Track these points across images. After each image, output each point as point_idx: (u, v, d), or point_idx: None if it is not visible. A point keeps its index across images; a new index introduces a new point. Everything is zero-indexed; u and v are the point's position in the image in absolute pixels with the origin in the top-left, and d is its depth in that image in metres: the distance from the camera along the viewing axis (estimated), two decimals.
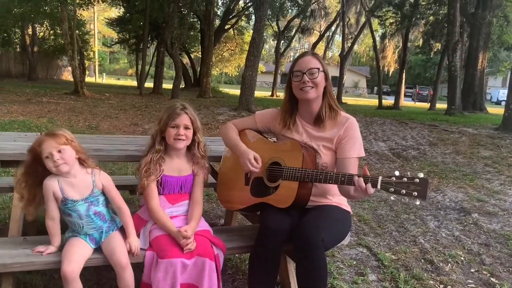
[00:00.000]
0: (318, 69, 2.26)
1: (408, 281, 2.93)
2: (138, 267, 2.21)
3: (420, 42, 26.93)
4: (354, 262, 3.22)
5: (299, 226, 2.10)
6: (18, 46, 30.01)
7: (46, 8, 18.43)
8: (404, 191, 1.90)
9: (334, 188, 2.30)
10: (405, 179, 1.91)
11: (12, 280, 2.08)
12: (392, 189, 1.92)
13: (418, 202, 1.90)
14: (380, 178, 1.97)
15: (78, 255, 2.02)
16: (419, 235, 3.89)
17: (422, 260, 3.33)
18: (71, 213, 2.09)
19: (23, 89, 17.61)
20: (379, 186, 1.96)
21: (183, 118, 2.25)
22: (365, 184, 1.97)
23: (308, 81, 2.24)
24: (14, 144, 2.57)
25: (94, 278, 2.63)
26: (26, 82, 23.87)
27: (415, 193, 1.88)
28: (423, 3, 21.11)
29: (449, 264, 3.27)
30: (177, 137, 2.23)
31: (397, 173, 1.95)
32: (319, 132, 2.33)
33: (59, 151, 2.01)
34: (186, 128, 2.25)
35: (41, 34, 29.01)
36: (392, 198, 1.98)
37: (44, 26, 26.88)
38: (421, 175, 1.89)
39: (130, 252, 2.09)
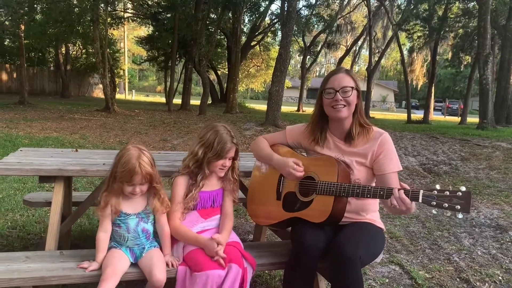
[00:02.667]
0: (352, 87, 2.23)
1: None
2: (168, 282, 2.23)
3: (449, 55, 26.51)
4: (387, 280, 3.15)
5: (336, 242, 2.07)
6: (52, 65, 31.13)
7: (79, 28, 19.06)
8: (446, 205, 1.87)
9: (368, 204, 2.28)
10: (447, 193, 1.88)
11: None
12: (434, 203, 1.89)
13: (460, 216, 1.86)
14: (421, 191, 1.94)
15: (118, 268, 2.05)
16: (453, 253, 3.77)
17: (458, 279, 3.23)
18: (121, 224, 2.16)
19: (56, 106, 18.19)
20: (420, 200, 1.93)
21: (232, 151, 2.30)
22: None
23: (341, 100, 2.22)
24: (51, 160, 2.65)
25: None
26: (59, 100, 24.65)
27: (458, 206, 1.85)
28: (452, 16, 20.84)
29: (486, 284, 3.16)
30: (223, 168, 2.31)
31: (438, 186, 1.92)
32: (351, 148, 2.31)
33: (141, 184, 2.12)
34: (231, 158, 2.32)
35: (74, 53, 30.01)
36: (434, 211, 1.94)
37: (77, 45, 27.80)
38: (463, 188, 1.87)
39: (170, 267, 2.13)
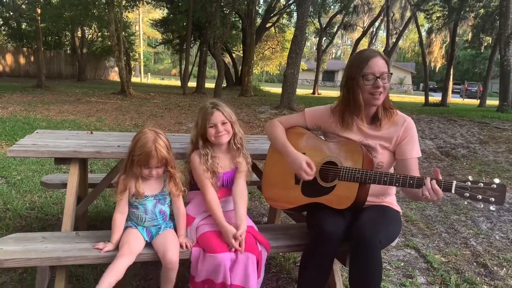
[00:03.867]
0: (389, 74, 2.18)
1: (459, 285, 2.81)
2: (183, 264, 2.24)
3: (469, 36, 25.84)
4: (402, 264, 3.13)
5: (356, 227, 2.04)
6: (68, 48, 31.36)
7: (94, 11, 19.10)
8: (480, 197, 1.85)
9: (387, 188, 2.25)
10: (481, 184, 1.86)
11: (65, 272, 2.16)
12: (467, 194, 1.87)
13: (493, 208, 1.84)
14: (454, 182, 1.91)
15: (134, 247, 2.08)
16: (470, 237, 3.72)
17: (475, 264, 3.19)
18: (139, 206, 2.18)
19: (73, 90, 18.38)
20: (453, 191, 1.90)
21: (217, 115, 2.29)
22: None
23: (381, 86, 2.15)
24: (67, 142, 2.67)
25: (141, 273, 2.69)
26: (76, 83, 24.92)
27: (492, 199, 1.83)
28: None
29: (504, 269, 3.11)
30: (218, 134, 2.28)
31: (471, 177, 1.91)
32: (375, 131, 2.26)
33: (157, 167, 2.13)
34: (223, 123, 2.29)
35: (90, 36, 30.19)
36: (465, 203, 1.93)
37: (93, 29, 27.96)
38: (497, 180, 1.85)
39: (184, 248, 2.14)
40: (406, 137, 2.22)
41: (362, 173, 2.07)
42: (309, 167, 2.21)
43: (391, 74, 2.21)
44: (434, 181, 1.93)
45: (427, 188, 1.93)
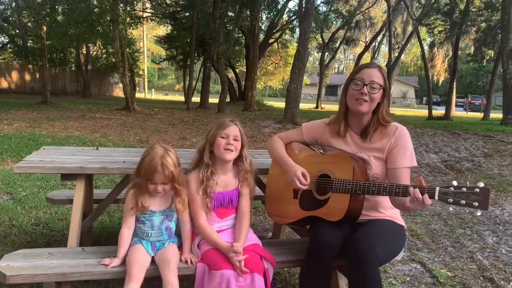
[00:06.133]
0: (380, 86, 2.20)
1: None
2: (188, 280, 2.24)
3: (472, 49, 25.94)
4: (408, 279, 3.11)
5: (352, 241, 2.04)
6: (73, 65, 31.68)
7: (99, 28, 19.34)
8: (464, 202, 1.82)
9: (386, 201, 2.24)
10: (464, 189, 1.83)
11: None
12: (451, 200, 1.84)
13: (479, 213, 1.82)
14: (437, 188, 1.89)
15: (142, 264, 2.08)
16: (476, 251, 3.70)
17: (481, 278, 3.16)
18: (146, 221, 2.20)
19: (77, 106, 18.52)
20: (436, 197, 1.88)
21: (233, 128, 2.28)
22: (422, 195, 1.90)
23: (366, 94, 2.18)
24: (73, 158, 2.70)
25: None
26: (81, 99, 25.11)
27: (476, 203, 1.80)
28: (474, 9, 20.35)
29: (511, 283, 3.08)
30: (227, 147, 2.25)
31: (455, 183, 1.87)
32: (368, 143, 2.28)
33: (163, 183, 2.14)
34: (235, 139, 2.28)
35: (94, 53, 30.50)
36: (450, 209, 1.90)
37: (97, 46, 28.22)
38: (481, 184, 1.81)
39: (189, 264, 2.15)
40: (397, 146, 2.21)
41: (352, 184, 2.09)
42: (304, 177, 2.23)
43: (382, 87, 2.20)
44: (417, 189, 1.91)
45: (411, 196, 1.93)
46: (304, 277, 2.20)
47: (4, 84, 26.33)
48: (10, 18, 28.01)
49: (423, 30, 26.25)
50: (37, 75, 27.28)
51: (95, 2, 17.69)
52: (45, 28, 18.00)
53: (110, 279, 2.06)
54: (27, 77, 27.68)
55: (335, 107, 30.65)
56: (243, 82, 28.58)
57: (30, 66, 28.15)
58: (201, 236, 2.26)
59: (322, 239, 2.09)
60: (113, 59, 23.27)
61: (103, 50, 29.20)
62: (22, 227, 3.68)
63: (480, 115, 25.01)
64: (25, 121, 11.73)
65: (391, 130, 2.26)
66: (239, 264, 2.05)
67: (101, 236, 3.60)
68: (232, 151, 2.26)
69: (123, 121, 13.25)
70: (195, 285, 2.13)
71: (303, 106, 20.20)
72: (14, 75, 26.99)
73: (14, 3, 26.61)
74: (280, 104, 23.16)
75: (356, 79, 2.22)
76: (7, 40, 30.00)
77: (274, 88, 49.54)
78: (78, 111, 16.06)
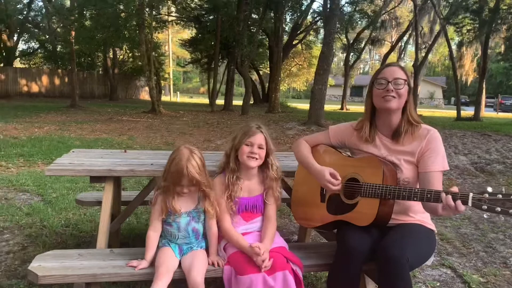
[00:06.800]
0: (405, 80, 2.17)
1: None
2: (214, 282, 2.24)
3: (502, 48, 25.22)
4: (438, 284, 3.03)
5: (382, 245, 2.00)
6: (100, 69, 32.36)
7: (126, 32, 19.72)
8: (499, 209, 1.76)
9: (416, 205, 2.19)
10: (500, 196, 1.76)
11: None
12: (485, 207, 1.78)
13: None
14: (471, 194, 1.83)
15: (170, 266, 2.09)
16: (510, 257, 3.58)
17: None
18: (172, 223, 2.21)
19: (105, 109, 18.90)
20: (470, 204, 1.82)
21: (258, 137, 2.27)
22: (454, 201, 1.85)
23: (392, 90, 2.14)
24: (102, 161, 2.74)
25: None
26: (108, 102, 25.63)
27: None
28: (504, 7, 19.79)
29: None
30: (251, 155, 2.25)
31: (489, 189, 1.80)
32: (398, 146, 2.23)
33: (189, 185, 2.15)
34: (260, 147, 2.27)
35: (121, 57, 31.05)
36: (485, 216, 1.84)
37: (124, 50, 28.74)
38: None
39: (215, 267, 2.15)
40: (429, 149, 2.15)
41: (382, 189, 2.04)
42: (334, 177, 2.20)
43: (407, 82, 2.17)
44: (449, 196, 1.86)
45: (443, 202, 1.87)
46: (332, 282, 2.17)
47: (35, 88, 27.14)
48: (41, 24, 28.81)
49: (450, 29, 25.67)
50: (66, 79, 27.99)
51: (121, 7, 18.04)
52: (73, 33, 18.47)
53: (138, 281, 2.07)
54: (57, 81, 28.44)
55: (360, 108, 30.30)
56: (267, 84, 28.59)
57: (60, 70, 28.93)
58: (226, 239, 2.26)
59: (350, 244, 2.06)
60: (140, 63, 23.67)
61: (130, 54, 29.72)
62: (52, 228, 3.77)
63: (511, 115, 24.29)
64: (55, 124, 12.04)
65: (423, 133, 2.20)
66: (263, 264, 2.04)
67: (129, 238, 3.65)
68: (256, 159, 2.26)
69: (150, 123, 13.45)
70: None
71: (327, 107, 20.04)
72: (44, 79, 27.79)
73: (44, 10, 27.37)
74: (304, 105, 23.07)
75: (379, 79, 2.20)
76: (38, 46, 30.88)
77: (298, 90, 49.42)
78: (106, 114, 16.39)
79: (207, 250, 2.26)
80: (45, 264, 2.08)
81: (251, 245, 2.10)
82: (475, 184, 6.42)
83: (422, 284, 3.01)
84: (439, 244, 3.80)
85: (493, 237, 4.06)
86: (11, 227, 3.79)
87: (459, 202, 1.84)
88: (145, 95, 33.37)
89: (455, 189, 1.89)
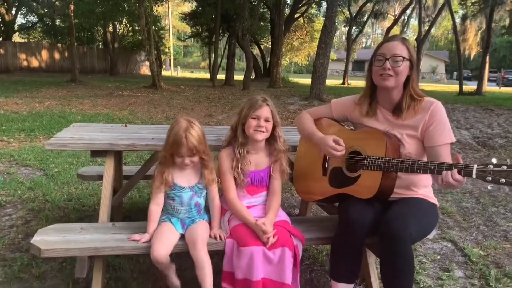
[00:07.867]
0: (404, 57, 2.10)
1: (500, 279, 2.72)
2: (217, 254, 2.26)
3: (507, 22, 24.83)
4: (438, 257, 3.06)
5: (385, 219, 1.99)
6: (100, 43, 32.02)
7: (125, 6, 19.43)
8: (504, 180, 1.74)
9: (419, 179, 2.18)
10: (505, 167, 1.75)
11: (103, 262, 2.22)
12: (490, 178, 1.77)
13: None
14: (475, 166, 1.81)
15: (168, 239, 2.11)
16: (510, 230, 3.60)
17: None
18: (175, 198, 2.21)
19: (105, 84, 18.79)
20: (474, 175, 1.80)
21: (264, 110, 2.24)
22: (459, 173, 1.83)
23: (389, 69, 2.09)
24: (102, 135, 2.72)
25: (175, 263, 2.72)
26: (108, 77, 25.48)
27: None
28: None
29: None
30: (257, 129, 2.23)
31: (494, 160, 1.79)
32: (400, 120, 2.19)
33: (190, 156, 2.13)
34: (267, 120, 2.24)
35: (121, 31, 30.70)
36: (489, 187, 1.83)
37: (123, 24, 28.38)
38: None
39: (217, 239, 2.15)
40: (434, 122, 2.12)
41: (385, 161, 2.02)
42: (337, 143, 2.18)
43: (406, 58, 2.10)
44: (455, 171, 1.84)
45: (446, 174, 1.86)
46: (335, 255, 2.18)
47: (35, 63, 26.89)
48: None
49: (455, 2, 25.23)
50: (66, 54, 27.70)
51: None
52: (72, 6, 18.18)
53: (140, 254, 2.08)
54: (56, 55, 28.15)
55: (362, 83, 29.69)
56: (268, 59, 28.29)
57: (59, 45, 28.59)
58: (231, 210, 2.26)
59: (352, 217, 2.05)
60: (140, 37, 23.40)
61: (129, 28, 29.37)
62: (55, 202, 3.79)
63: None
64: (56, 99, 11.99)
65: (426, 105, 2.16)
66: (267, 240, 2.05)
67: (131, 212, 3.67)
68: (263, 132, 2.24)
69: (150, 98, 13.38)
70: (224, 261, 2.14)
71: (329, 82, 19.88)
72: (44, 54, 27.48)
73: None
74: (306, 80, 22.88)
75: (378, 55, 2.14)
76: (37, 20, 30.48)
77: (300, 64, 48.86)
78: (106, 89, 16.29)
79: (209, 223, 2.26)
80: (47, 238, 2.09)
81: (257, 222, 2.10)
82: (477, 158, 6.41)
83: (423, 257, 3.04)
84: (440, 218, 3.81)
85: (494, 211, 4.07)
86: (13, 201, 3.81)
87: (455, 171, 1.84)
88: (145, 69, 33.13)
89: (459, 160, 1.87)
